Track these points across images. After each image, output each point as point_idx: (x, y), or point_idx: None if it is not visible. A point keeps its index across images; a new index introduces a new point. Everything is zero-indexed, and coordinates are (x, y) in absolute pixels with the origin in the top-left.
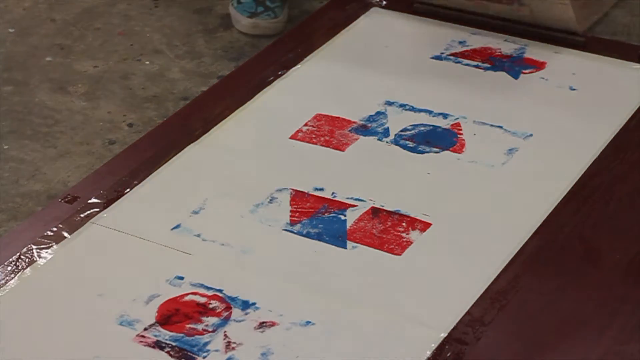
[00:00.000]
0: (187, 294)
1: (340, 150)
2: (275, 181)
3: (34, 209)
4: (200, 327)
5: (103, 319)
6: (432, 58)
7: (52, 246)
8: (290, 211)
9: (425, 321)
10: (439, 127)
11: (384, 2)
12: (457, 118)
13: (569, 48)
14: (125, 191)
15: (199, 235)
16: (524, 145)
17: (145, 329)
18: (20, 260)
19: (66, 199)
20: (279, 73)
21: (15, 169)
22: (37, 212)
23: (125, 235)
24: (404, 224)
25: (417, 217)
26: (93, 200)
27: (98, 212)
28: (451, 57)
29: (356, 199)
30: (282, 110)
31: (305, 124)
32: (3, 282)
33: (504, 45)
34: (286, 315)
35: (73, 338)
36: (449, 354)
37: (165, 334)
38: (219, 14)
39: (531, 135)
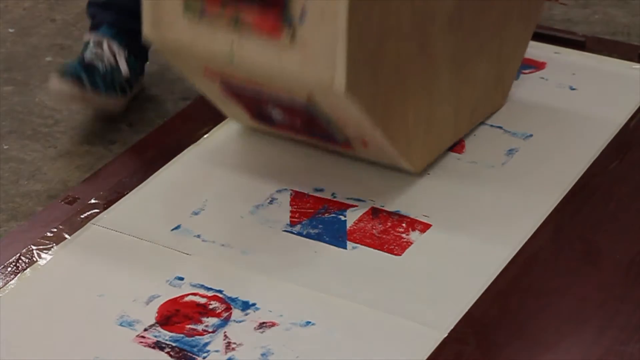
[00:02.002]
0: (187, 295)
1: None
2: (275, 182)
3: (34, 209)
4: (200, 327)
5: (103, 319)
6: None
7: (52, 247)
8: (290, 212)
9: (425, 321)
10: None
11: None
12: None
13: (569, 48)
14: (126, 192)
15: (199, 236)
16: (524, 146)
17: (146, 330)
18: (20, 260)
19: (66, 200)
20: None
21: (15, 169)
22: (37, 213)
23: (125, 236)
24: (404, 224)
25: (417, 218)
26: (93, 201)
27: (98, 213)
28: None
29: (356, 200)
30: None
31: None
32: (3, 282)
33: None
34: (286, 316)
35: (73, 338)
36: (449, 354)
37: (165, 335)
38: None
39: (531, 135)
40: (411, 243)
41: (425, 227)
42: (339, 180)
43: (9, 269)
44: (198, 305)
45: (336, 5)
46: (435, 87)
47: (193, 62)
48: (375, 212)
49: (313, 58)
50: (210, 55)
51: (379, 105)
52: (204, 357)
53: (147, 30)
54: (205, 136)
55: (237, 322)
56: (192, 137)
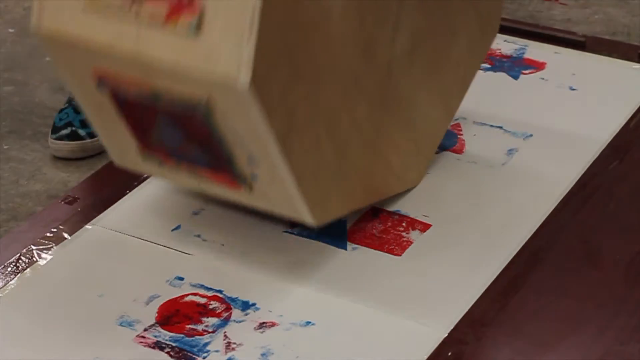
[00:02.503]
0: (187, 295)
1: None
2: None
3: (34, 209)
4: (200, 327)
5: (103, 319)
6: None
7: (52, 247)
8: None
9: (425, 321)
10: None
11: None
12: (457, 119)
13: (569, 48)
14: (126, 192)
15: (199, 236)
16: (524, 146)
17: (146, 330)
18: (20, 261)
19: (66, 200)
20: None
21: (15, 169)
22: (37, 213)
23: (125, 236)
24: (404, 224)
25: (417, 218)
26: (93, 201)
27: (98, 213)
28: None
29: None
30: None
31: None
32: (3, 282)
33: (504, 45)
34: (286, 316)
35: (73, 338)
36: (449, 354)
37: (165, 335)
38: None
39: (531, 135)
40: (411, 243)
41: (425, 227)
42: None
43: (9, 269)
44: (198, 305)
45: (282, 174)
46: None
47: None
48: (375, 212)
49: (278, 203)
50: (182, 186)
51: (331, 201)
52: (204, 357)
53: (116, 161)
54: None
55: (237, 322)
56: None
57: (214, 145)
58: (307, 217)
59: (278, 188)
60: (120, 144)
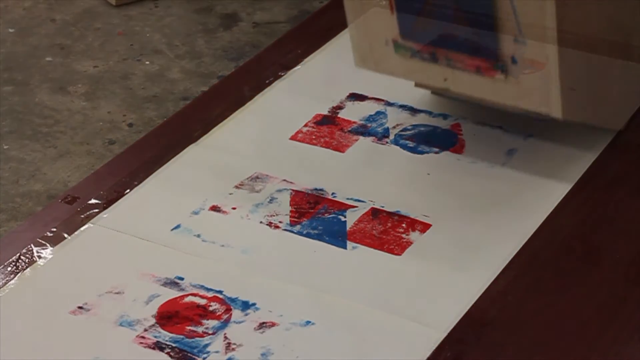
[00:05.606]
0: (187, 295)
1: (340, 151)
2: (275, 181)
3: (34, 209)
4: (200, 329)
5: (103, 319)
6: None
7: (52, 247)
8: (290, 211)
9: (425, 321)
10: (439, 127)
11: (384, 2)
12: (457, 119)
13: None
14: (125, 191)
15: (199, 236)
16: (524, 146)
17: (145, 330)
18: (20, 260)
19: (66, 200)
20: (279, 73)
21: (15, 169)
22: (37, 212)
23: (125, 235)
24: (404, 225)
25: (417, 219)
26: (93, 200)
27: (98, 213)
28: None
29: (356, 200)
30: (282, 111)
31: (306, 125)
32: (3, 282)
33: None
34: (286, 316)
35: (73, 338)
36: (449, 354)
37: (165, 335)
38: (219, 14)
39: (531, 135)
40: (411, 243)
41: (425, 227)
42: (339, 180)
43: (9, 268)
44: (198, 306)
45: (547, 52)
46: None
47: None
48: (375, 213)
49: (527, 93)
50: (424, 83)
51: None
52: (204, 358)
53: (358, 62)
54: (205, 136)
55: (237, 322)
56: (192, 138)
57: (483, 22)
58: (556, 109)
59: (534, 76)
60: (370, 38)
